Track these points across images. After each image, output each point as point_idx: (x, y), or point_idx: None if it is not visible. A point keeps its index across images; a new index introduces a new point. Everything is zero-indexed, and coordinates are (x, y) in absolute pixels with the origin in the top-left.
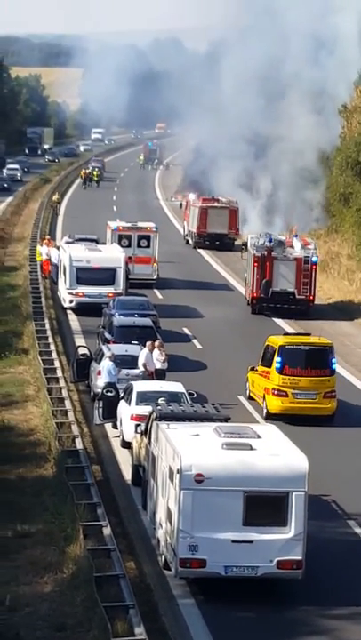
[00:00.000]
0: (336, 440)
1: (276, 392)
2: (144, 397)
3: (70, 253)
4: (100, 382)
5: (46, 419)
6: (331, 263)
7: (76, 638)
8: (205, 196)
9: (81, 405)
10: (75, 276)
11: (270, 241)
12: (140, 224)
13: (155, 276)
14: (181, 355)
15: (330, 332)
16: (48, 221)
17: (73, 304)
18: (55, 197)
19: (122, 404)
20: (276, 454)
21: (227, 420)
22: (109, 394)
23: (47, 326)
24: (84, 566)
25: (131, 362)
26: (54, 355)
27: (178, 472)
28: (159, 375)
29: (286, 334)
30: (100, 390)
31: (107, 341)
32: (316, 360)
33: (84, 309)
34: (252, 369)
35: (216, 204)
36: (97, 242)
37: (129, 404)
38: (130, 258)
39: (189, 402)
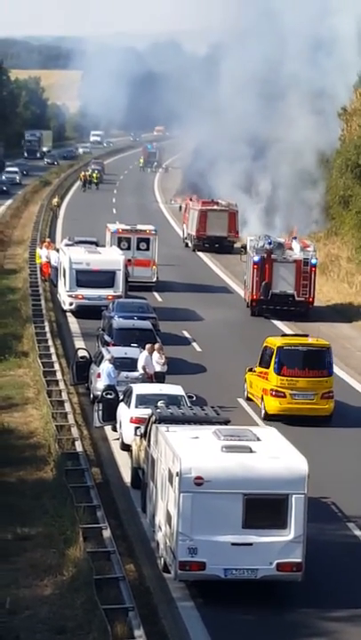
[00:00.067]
0: (335, 441)
1: (274, 393)
2: (143, 400)
3: (70, 256)
4: (99, 385)
5: (46, 421)
6: (330, 266)
7: None
8: (205, 198)
9: (80, 408)
10: (74, 279)
11: (270, 243)
12: (140, 227)
13: (154, 279)
14: (181, 357)
15: (329, 334)
16: (48, 224)
17: (73, 306)
18: (55, 200)
19: (121, 407)
20: (275, 457)
21: (226, 422)
22: (109, 396)
23: (47, 329)
24: (83, 569)
25: (130, 364)
26: (54, 357)
27: (177, 475)
28: (159, 378)
29: (284, 335)
30: (99, 393)
31: (106, 344)
32: (314, 361)
33: (83, 312)
34: (251, 370)
35: (215, 207)
36: (96, 244)
37: (128, 406)
38: (129, 260)
39: (189, 404)
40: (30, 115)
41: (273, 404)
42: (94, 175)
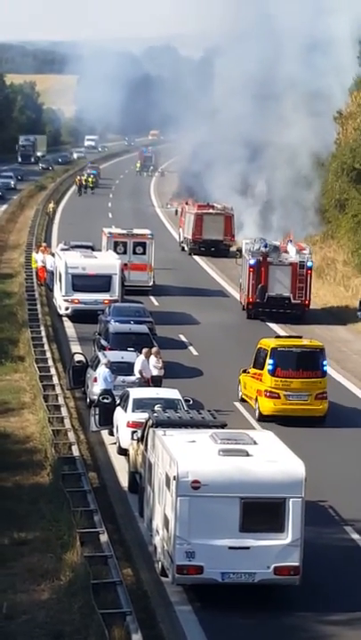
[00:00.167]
0: (331, 443)
1: (268, 394)
2: (140, 404)
3: (66, 260)
4: (96, 389)
5: (42, 426)
6: (327, 269)
7: None
8: (201, 202)
9: (77, 412)
10: (70, 283)
11: (265, 246)
12: (136, 231)
13: (150, 283)
14: (178, 361)
15: (326, 337)
16: (43, 228)
17: (69, 311)
18: (51, 205)
19: (118, 411)
20: (272, 460)
21: (223, 426)
22: (105, 401)
23: (43, 333)
24: (81, 573)
25: (127, 369)
26: (50, 362)
27: (174, 479)
28: (155, 382)
29: (278, 337)
30: (96, 397)
31: (103, 348)
32: (308, 362)
33: (79, 316)
34: (245, 371)
35: (211, 211)
36: (92, 249)
37: (125, 410)
38: (125, 265)
39: (186, 408)
40: (26, 119)
41: (267, 405)
42: (90, 179)
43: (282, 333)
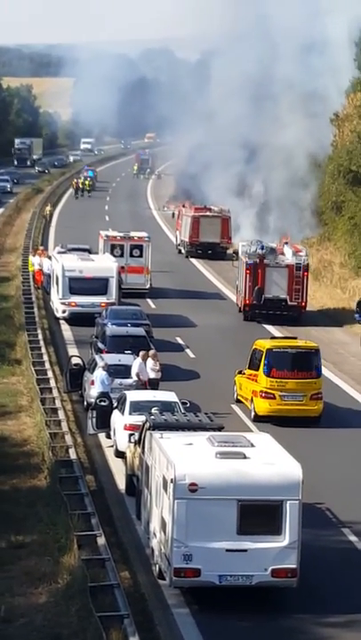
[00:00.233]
0: (328, 445)
1: (263, 394)
2: (137, 407)
3: (63, 263)
4: (93, 392)
5: (40, 429)
6: (323, 271)
7: None
8: (198, 204)
9: (74, 415)
10: (67, 286)
11: (262, 248)
12: (133, 234)
13: (147, 286)
14: (175, 364)
15: (323, 339)
16: (40, 232)
17: (66, 314)
18: (48, 208)
19: (115, 414)
20: (270, 463)
21: (220, 429)
22: (103, 403)
23: (40, 336)
24: (78, 576)
25: (124, 371)
26: (47, 365)
27: (172, 481)
28: (152, 385)
29: (273, 338)
30: (93, 400)
31: (100, 351)
32: (303, 363)
33: (76, 319)
34: (240, 372)
35: (208, 214)
36: (89, 252)
37: (122, 413)
38: (122, 267)
39: (183, 411)
40: (22, 122)
41: (263, 406)
42: (87, 182)
43: (278, 335)
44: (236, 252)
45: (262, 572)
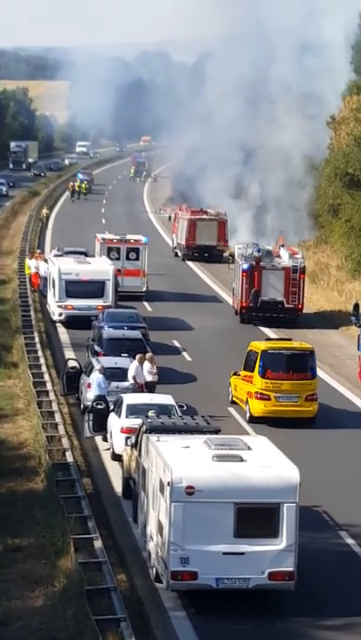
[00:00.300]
0: (326, 447)
1: (258, 396)
2: (134, 410)
3: (59, 266)
4: (89, 395)
5: (36, 432)
6: (320, 274)
7: None
8: (194, 207)
9: (71, 418)
10: (64, 289)
11: (258, 251)
12: (129, 236)
13: (144, 289)
14: (171, 367)
15: (320, 342)
16: (37, 235)
17: (62, 317)
18: (44, 211)
19: (112, 417)
20: (266, 466)
21: (217, 432)
22: (99, 406)
23: (36, 339)
24: (75, 579)
25: (120, 374)
26: (44, 368)
27: (168, 484)
28: (149, 388)
29: (268, 339)
30: (89, 403)
31: (96, 354)
32: (298, 364)
33: (73, 322)
34: (235, 374)
35: (205, 216)
36: (86, 255)
37: (119, 416)
38: (119, 270)
39: (179, 414)
40: (18, 125)
41: (258, 407)
42: (83, 185)
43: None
44: (232, 255)
45: (260, 574)
